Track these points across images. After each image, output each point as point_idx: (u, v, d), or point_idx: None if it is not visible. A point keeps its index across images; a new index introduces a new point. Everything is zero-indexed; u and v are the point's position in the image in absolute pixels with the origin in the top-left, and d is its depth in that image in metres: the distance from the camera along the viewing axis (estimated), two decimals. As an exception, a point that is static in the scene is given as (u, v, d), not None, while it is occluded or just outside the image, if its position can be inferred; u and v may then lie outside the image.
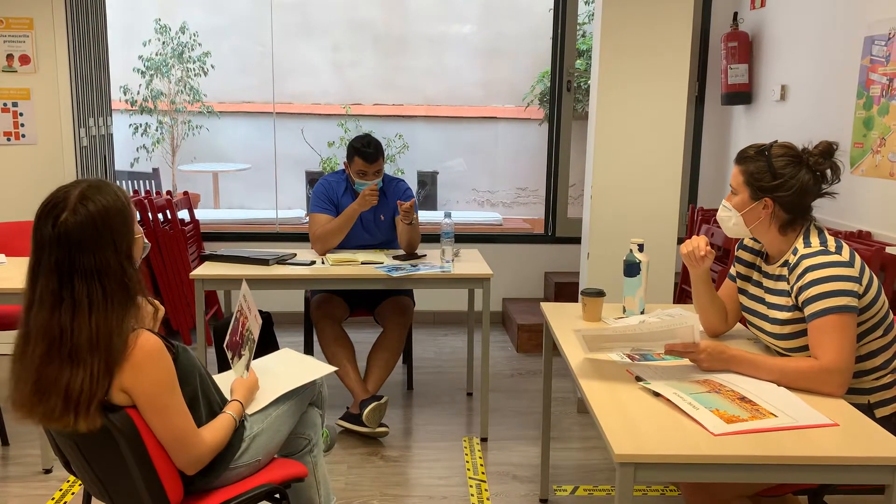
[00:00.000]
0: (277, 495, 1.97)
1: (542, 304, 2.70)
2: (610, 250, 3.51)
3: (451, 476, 3.03)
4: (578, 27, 5.49)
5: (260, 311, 3.89)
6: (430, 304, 4.95)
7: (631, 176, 3.50)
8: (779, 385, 1.90)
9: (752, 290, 2.20)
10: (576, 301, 2.79)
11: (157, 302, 1.89)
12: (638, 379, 1.97)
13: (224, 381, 2.07)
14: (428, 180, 7.98)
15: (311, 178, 7.92)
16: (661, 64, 3.44)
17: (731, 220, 2.12)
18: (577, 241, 5.06)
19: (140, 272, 1.73)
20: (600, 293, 2.51)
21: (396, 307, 3.58)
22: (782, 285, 2.06)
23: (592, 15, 5.25)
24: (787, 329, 2.04)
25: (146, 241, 1.79)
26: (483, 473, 3.06)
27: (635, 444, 1.59)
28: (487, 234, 5.36)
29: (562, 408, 3.74)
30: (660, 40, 3.42)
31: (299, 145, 7.82)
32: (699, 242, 2.19)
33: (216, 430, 1.81)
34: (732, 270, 2.30)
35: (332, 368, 2.27)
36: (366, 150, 3.52)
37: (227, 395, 1.99)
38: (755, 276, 2.21)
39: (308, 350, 3.97)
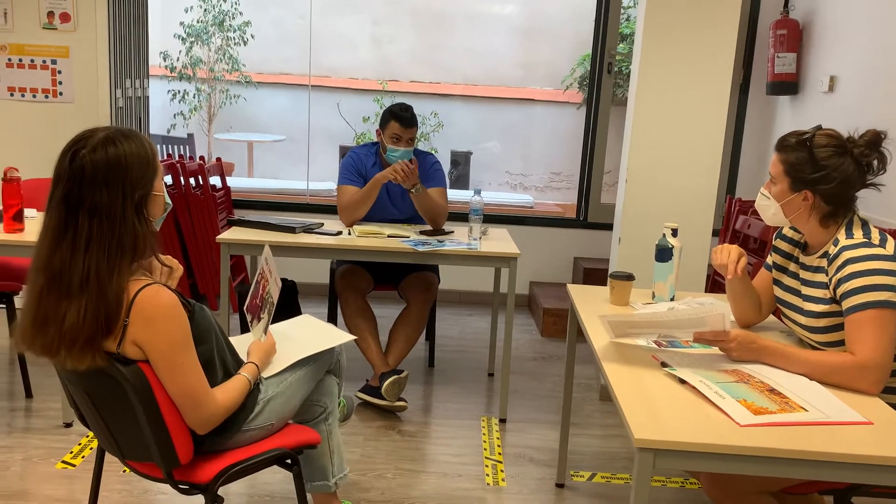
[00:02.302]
0: (289, 461, 1.95)
1: (568, 286, 2.64)
2: (642, 236, 3.43)
3: (467, 454, 3.00)
4: (623, 10, 5.36)
5: (284, 280, 3.89)
6: (456, 282, 4.91)
7: (668, 161, 3.40)
8: (811, 379, 1.82)
9: (788, 281, 2.12)
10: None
11: (174, 260, 1.86)
12: (664, 365, 1.90)
13: (241, 344, 2.05)
14: (461, 160, 7.91)
15: (345, 152, 7.91)
16: (706, 49, 3.33)
17: (769, 209, 2.03)
18: (610, 227, 4.96)
19: (154, 231, 1.71)
20: (629, 277, 2.44)
21: (421, 282, 3.54)
22: (820, 277, 1.98)
23: (638, -3, 5.14)
24: (822, 322, 1.96)
25: (168, 201, 1.76)
26: (500, 454, 3.02)
27: (656, 430, 1.54)
28: (518, 217, 5.28)
29: (584, 394, 3.68)
30: (705, 25, 3.31)
31: (334, 119, 7.80)
32: (730, 259, 2.09)
33: (229, 391, 1.79)
34: (769, 260, 2.22)
35: (351, 337, 2.24)
36: (403, 113, 3.48)
37: (244, 358, 1.97)
38: (792, 266, 2.12)
39: (331, 321, 3.95)
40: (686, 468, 1.54)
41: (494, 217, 4.94)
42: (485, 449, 3.05)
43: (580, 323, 2.30)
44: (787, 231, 2.17)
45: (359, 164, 3.65)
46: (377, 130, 3.64)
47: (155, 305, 1.61)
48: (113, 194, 1.61)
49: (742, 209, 3.89)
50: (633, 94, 3.47)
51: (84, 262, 1.59)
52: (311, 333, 2.24)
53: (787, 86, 4.54)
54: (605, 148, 5.04)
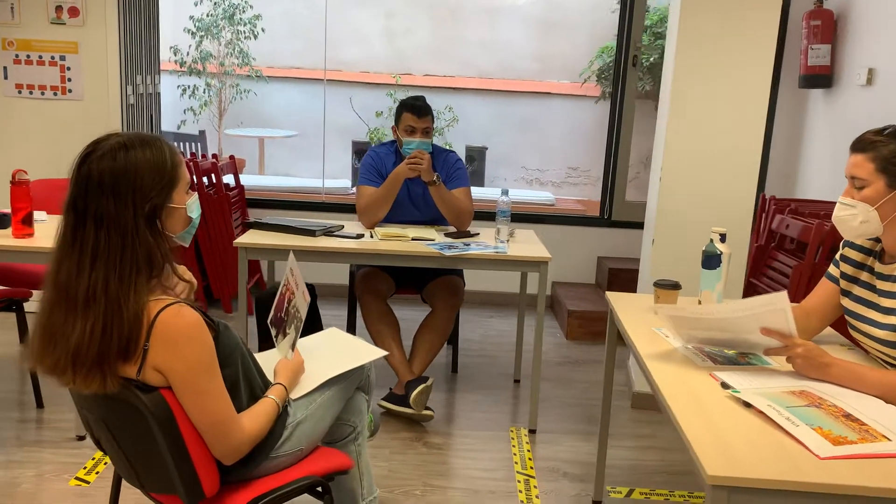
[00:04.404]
0: (320, 489, 1.81)
1: (608, 293, 2.50)
2: (677, 237, 3.28)
3: (498, 469, 2.86)
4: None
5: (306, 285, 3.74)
6: (477, 284, 4.74)
7: (705, 160, 3.24)
8: (886, 402, 1.68)
9: (860, 292, 1.96)
10: (632, 290, 2.62)
11: (189, 274, 1.73)
12: (724, 386, 1.76)
13: (265, 361, 1.92)
14: (476, 156, 7.75)
15: (358, 149, 7.76)
16: (746, 43, 3.17)
17: (856, 218, 1.84)
18: (635, 225, 4.82)
19: (172, 247, 1.58)
20: (676, 286, 2.30)
21: (447, 287, 3.40)
22: None
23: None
24: (902, 337, 1.80)
25: (193, 215, 1.62)
26: (531, 468, 2.88)
27: (730, 465, 1.39)
28: (538, 215, 5.13)
29: (615, 402, 3.50)
30: (745, 16, 3.15)
31: (346, 114, 7.65)
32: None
33: (257, 417, 1.65)
34: (834, 271, 2.06)
35: (383, 353, 2.10)
36: (415, 102, 3.36)
37: (270, 377, 1.83)
38: (864, 276, 1.96)
39: (351, 325, 3.82)
40: (763, 507, 1.40)
41: (514, 215, 4.78)
42: (515, 463, 2.91)
43: (626, 336, 2.15)
44: (857, 239, 2.01)
45: (378, 163, 3.50)
46: (393, 128, 3.50)
47: (177, 327, 1.47)
48: (121, 204, 1.48)
49: (778, 208, 3.73)
50: (667, 89, 3.31)
51: (90, 276, 1.46)
52: (340, 349, 2.10)
53: (821, 79, 4.37)
54: (630, 142, 4.88)
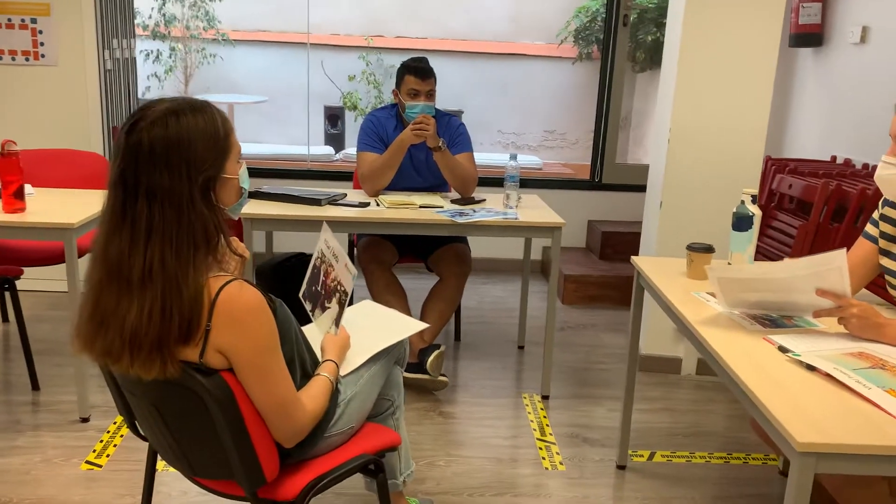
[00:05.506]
0: (372, 467, 1.75)
1: (633, 258, 2.47)
2: (685, 200, 3.27)
3: (517, 436, 2.84)
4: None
5: (301, 254, 3.64)
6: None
7: (714, 122, 3.21)
8: (941, 361, 1.68)
9: (904, 251, 1.96)
10: (627, 253, 2.62)
11: (243, 246, 1.63)
12: (782, 350, 1.74)
13: (308, 337, 1.84)
14: (452, 119, 7.64)
15: (331, 113, 7.58)
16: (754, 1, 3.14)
17: None
18: (626, 188, 4.82)
19: (226, 219, 1.48)
20: (709, 249, 2.27)
21: (455, 255, 3.33)
22: None
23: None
24: (948, 297, 1.81)
25: (245, 185, 1.52)
26: (550, 434, 2.87)
27: (816, 432, 1.37)
28: (524, 179, 5.03)
29: (620, 365, 3.54)
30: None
31: (316, 78, 7.44)
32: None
33: (315, 396, 1.58)
34: (872, 230, 2.05)
35: (424, 325, 2.04)
36: (417, 65, 3.26)
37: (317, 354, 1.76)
38: (906, 235, 1.96)
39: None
40: (848, 472, 1.39)
41: (500, 180, 4.72)
42: (534, 430, 2.89)
43: (667, 302, 2.12)
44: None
45: (379, 128, 3.40)
46: (394, 91, 3.39)
47: (241, 305, 1.39)
48: (175, 176, 1.37)
49: (778, 168, 3.73)
50: (674, 51, 3.26)
51: (145, 254, 1.36)
52: (379, 323, 2.03)
53: (812, 37, 4.36)
54: (621, 104, 4.83)
